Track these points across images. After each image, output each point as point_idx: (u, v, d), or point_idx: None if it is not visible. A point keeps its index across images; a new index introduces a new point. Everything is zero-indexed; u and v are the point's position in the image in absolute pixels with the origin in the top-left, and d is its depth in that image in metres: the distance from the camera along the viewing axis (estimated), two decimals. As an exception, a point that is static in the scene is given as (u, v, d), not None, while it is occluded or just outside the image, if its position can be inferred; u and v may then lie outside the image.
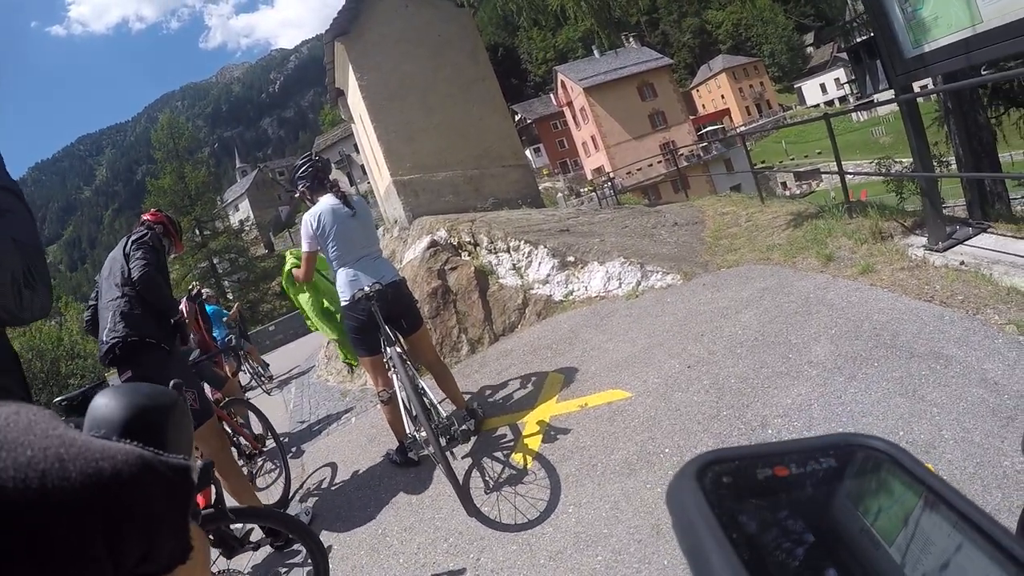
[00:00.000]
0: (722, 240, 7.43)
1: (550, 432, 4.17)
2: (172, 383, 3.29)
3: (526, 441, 4.19)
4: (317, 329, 5.99)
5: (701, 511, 0.41)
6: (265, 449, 5.56)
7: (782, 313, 4.61)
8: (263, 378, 11.41)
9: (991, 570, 0.38)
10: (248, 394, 10.73)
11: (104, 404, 0.86)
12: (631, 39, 58.50)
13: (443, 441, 3.60)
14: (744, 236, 7.27)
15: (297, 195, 4.51)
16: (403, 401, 3.90)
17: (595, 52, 65.66)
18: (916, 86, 5.09)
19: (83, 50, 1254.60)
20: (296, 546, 3.75)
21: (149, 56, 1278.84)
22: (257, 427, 5.88)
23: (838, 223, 6.19)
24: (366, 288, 4.02)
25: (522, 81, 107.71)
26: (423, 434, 3.58)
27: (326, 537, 4.06)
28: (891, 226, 5.70)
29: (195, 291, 7.12)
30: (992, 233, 5.00)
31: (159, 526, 0.64)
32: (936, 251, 4.91)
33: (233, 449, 4.93)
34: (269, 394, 10.62)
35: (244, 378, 11.42)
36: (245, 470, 5.09)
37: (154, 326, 3.89)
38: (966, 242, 4.95)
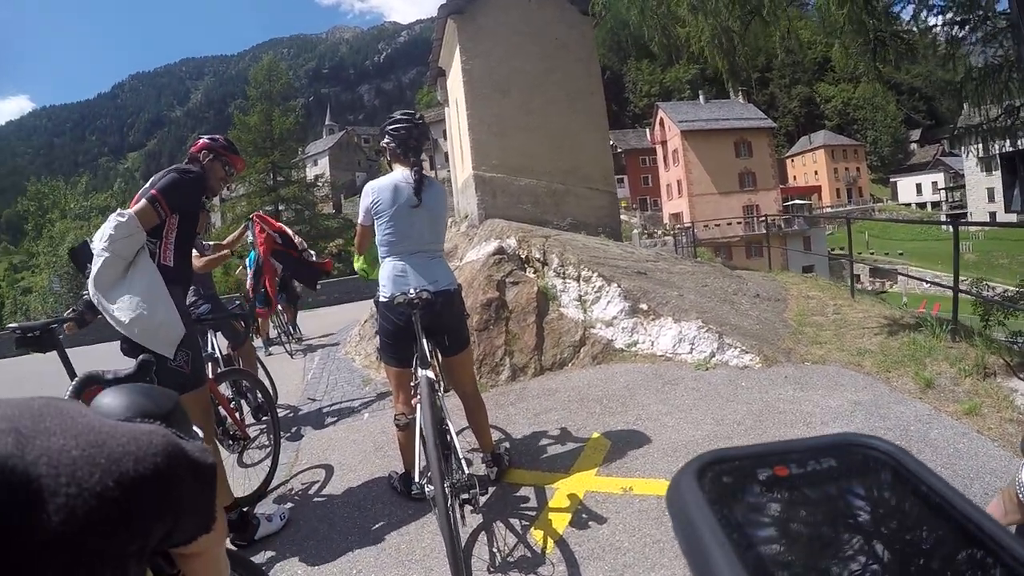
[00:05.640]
0: (806, 328, 6.69)
1: (582, 514, 3.47)
2: None
3: (551, 516, 3.50)
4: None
5: (701, 511, 0.41)
6: (252, 436, 4.91)
7: (878, 440, 3.87)
8: (292, 337, 10.85)
9: (991, 570, 0.38)
10: (271, 349, 10.29)
11: (107, 403, 0.93)
12: (740, 93, 57.51)
13: (456, 502, 2.92)
14: (831, 329, 6.54)
15: (382, 145, 3.89)
16: (421, 437, 3.24)
17: (700, 97, 64.92)
18: None
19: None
20: None
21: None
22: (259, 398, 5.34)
23: (939, 344, 5.46)
24: (412, 292, 3.35)
25: (621, 109, 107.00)
26: (431, 488, 2.91)
27: (290, 561, 3.45)
28: (995, 361, 4.96)
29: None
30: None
31: (185, 507, 0.71)
32: (1048, 407, 4.18)
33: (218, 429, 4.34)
34: (292, 356, 10.05)
35: (272, 332, 10.97)
36: (229, 456, 4.51)
37: None
38: (1083, 403, 4.22)
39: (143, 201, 3.33)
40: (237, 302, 7.67)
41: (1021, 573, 0.37)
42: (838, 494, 0.46)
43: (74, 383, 1.55)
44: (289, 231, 6.17)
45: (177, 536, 0.72)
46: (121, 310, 3.20)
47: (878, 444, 0.48)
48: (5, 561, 0.51)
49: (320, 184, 55.12)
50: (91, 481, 0.57)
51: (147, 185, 3.48)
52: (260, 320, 10.07)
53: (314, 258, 6.16)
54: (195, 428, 3.33)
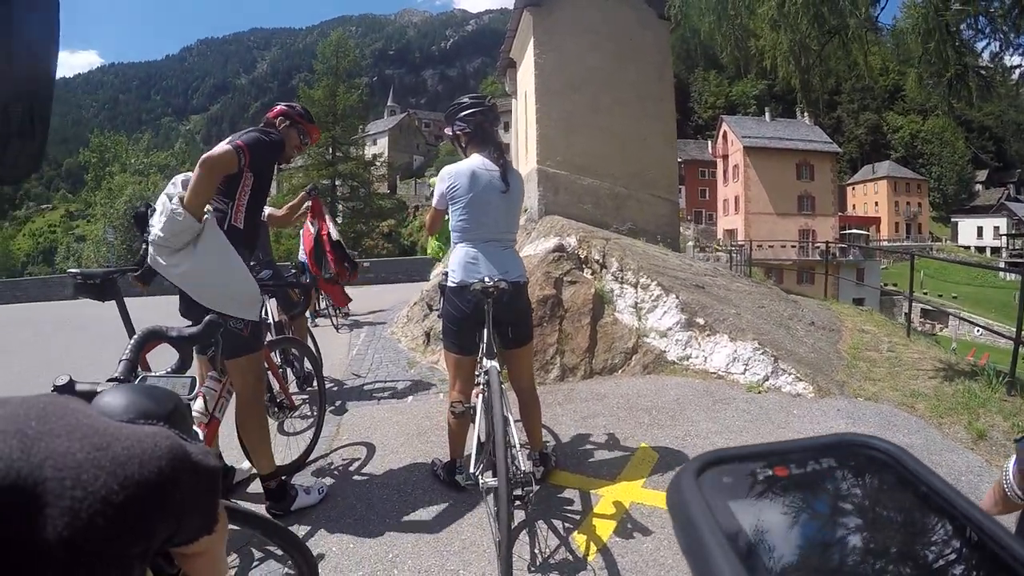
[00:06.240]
0: (860, 362, 6.53)
1: (627, 524, 3.41)
2: None
3: (596, 522, 3.45)
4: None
5: (701, 511, 0.41)
6: (298, 403, 4.91)
7: (930, 487, 3.74)
8: (339, 311, 10.92)
9: (991, 570, 0.39)
10: (317, 321, 10.41)
11: (107, 404, 0.93)
12: (807, 114, 56.45)
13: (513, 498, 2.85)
14: (885, 367, 6.39)
15: (449, 134, 3.84)
16: (479, 430, 3.20)
17: (766, 114, 63.88)
18: None
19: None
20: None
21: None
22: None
23: (994, 395, 5.29)
24: (487, 280, 3.30)
25: (684, 119, 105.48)
26: (490, 482, 2.86)
27: (325, 536, 3.45)
28: (1050, 420, 4.78)
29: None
30: None
31: (188, 509, 0.70)
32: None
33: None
34: (338, 330, 10.13)
35: (320, 304, 11.09)
36: (272, 424, 4.52)
37: None
38: None
39: (227, 145, 3.27)
40: (292, 270, 7.70)
41: (1021, 572, 0.37)
42: (838, 494, 0.47)
43: (137, 336, 1.54)
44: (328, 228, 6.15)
45: (179, 537, 0.73)
46: (199, 284, 3.25)
47: (878, 444, 0.48)
48: (6, 563, 0.51)
49: (378, 164, 55.47)
50: (96, 484, 0.57)
51: (227, 139, 3.45)
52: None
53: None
54: (244, 393, 3.36)
